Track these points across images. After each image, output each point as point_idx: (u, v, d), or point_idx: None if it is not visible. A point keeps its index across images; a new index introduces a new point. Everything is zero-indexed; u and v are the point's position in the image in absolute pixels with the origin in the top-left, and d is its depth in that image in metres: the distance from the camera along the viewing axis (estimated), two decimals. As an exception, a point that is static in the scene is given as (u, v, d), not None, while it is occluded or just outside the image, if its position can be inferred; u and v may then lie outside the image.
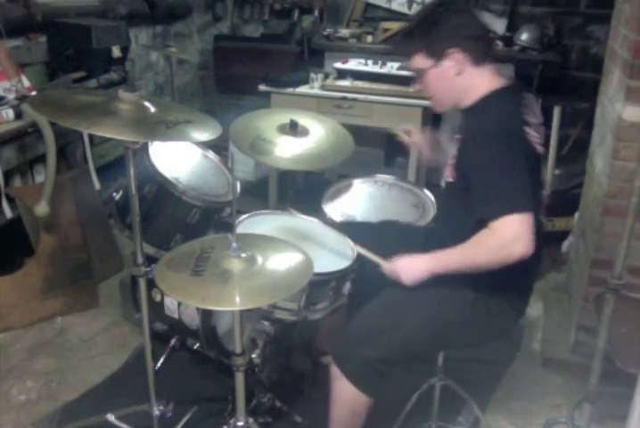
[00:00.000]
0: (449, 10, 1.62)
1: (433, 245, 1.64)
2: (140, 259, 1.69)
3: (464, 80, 1.64)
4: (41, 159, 2.78)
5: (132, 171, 1.57)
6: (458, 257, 1.58)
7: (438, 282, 1.62)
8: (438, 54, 1.61)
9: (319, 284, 1.72)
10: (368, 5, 4.30)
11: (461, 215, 1.65)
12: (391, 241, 1.87)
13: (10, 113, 2.62)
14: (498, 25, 3.91)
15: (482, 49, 1.64)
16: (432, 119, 3.43)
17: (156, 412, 1.81)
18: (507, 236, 1.47)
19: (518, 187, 1.50)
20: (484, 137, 1.55)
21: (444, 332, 1.68)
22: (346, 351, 1.63)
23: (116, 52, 3.38)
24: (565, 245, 2.91)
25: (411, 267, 1.63)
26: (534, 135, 1.60)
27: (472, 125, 1.62)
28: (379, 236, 1.92)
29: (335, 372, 1.64)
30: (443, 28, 1.60)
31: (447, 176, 1.68)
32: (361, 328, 1.66)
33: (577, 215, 2.78)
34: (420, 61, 1.64)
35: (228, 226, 1.66)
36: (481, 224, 1.51)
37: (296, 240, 1.78)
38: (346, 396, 1.65)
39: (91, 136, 3.10)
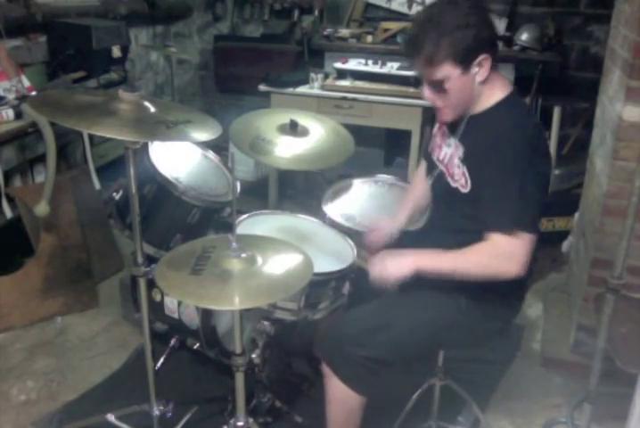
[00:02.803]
0: (469, 10, 1.47)
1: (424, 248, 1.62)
2: (140, 259, 1.69)
3: (484, 87, 1.54)
4: (41, 159, 2.78)
5: (132, 171, 1.58)
6: (452, 259, 1.55)
7: (432, 288, 1.61)
8: (466, 61, 1.47)
9: (319, 284, 1.72)
10: (368, 5, 4.31)
11: (460, 221, 1.62)
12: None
13: (10, 113, 2.62)
14: (498, 25, 3.91)
15: (498, 52, 1.54)
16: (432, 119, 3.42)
17: (156, 412, 1.82)
18: (510, 253, 1.47)
19: (532, 206, 1.49)
20: (509, 147, 1.48)
21: (437, 335, 1.67)
22: (335, 349, 1.61)
23: (116, 52, 3.38)
24: (565, 245, 2.91)
25: (397, 263, 1.56)
26: None
27: (494, 133, 1.52)
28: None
29: (326, 370, 1.63)
30: (470, 32, 1.45)
31: (459, 186, 1.59)
32: (351, 327, 1.64)
33: (577, 215, 2.78)
34: (447, 69, 1.48)
35: (228, 226, 1.66)
36: (487, 231, 1.50)
37: (296, 240, 1.79)
38: (338, 394, 1.64)
39: (91, 136, 3.10)
